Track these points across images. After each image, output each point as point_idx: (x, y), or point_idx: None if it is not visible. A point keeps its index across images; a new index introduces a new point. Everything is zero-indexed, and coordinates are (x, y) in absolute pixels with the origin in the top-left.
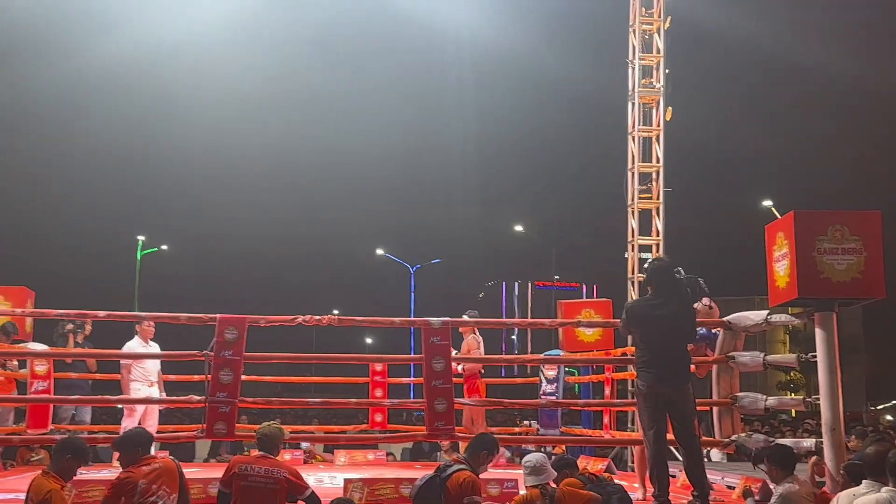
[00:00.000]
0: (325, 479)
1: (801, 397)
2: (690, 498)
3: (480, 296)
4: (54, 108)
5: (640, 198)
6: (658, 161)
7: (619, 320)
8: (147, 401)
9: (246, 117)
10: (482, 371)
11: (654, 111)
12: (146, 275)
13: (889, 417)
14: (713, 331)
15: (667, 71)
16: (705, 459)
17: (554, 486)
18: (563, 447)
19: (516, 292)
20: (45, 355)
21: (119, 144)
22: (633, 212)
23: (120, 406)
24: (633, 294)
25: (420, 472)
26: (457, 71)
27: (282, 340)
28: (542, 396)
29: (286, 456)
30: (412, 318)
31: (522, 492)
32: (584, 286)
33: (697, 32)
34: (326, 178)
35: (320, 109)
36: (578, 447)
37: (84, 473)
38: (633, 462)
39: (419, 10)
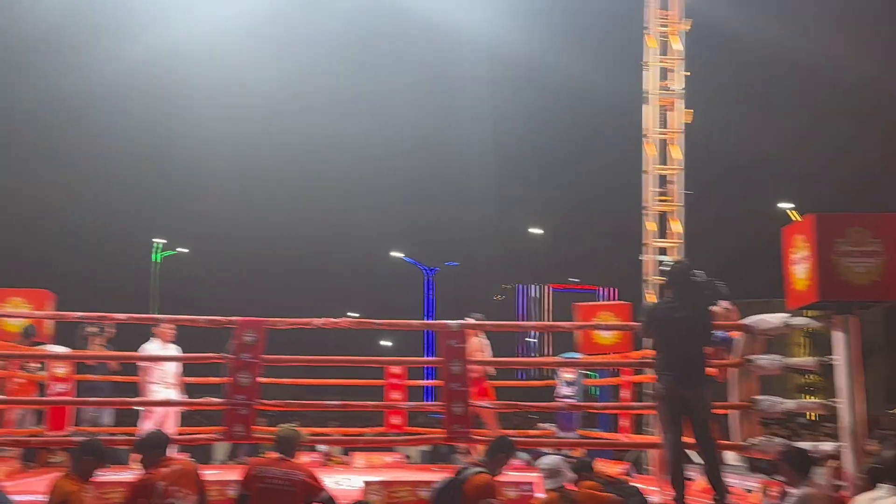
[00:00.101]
0: (342, 481)
1: (821, 400)
2: (710, 501)
3: (499, 297)
4: (76, 111)
5: (658, 200)
6: (675, 163)
7: (637, 323)
8: (166, 403)
9: (264, 119)
10: (492, 373)
11: (670, 114)
12: (165, 277)
13: None
14: (730, 334)
15: (687, 73)
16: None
17: (573, 488)
18: (582, 450)
19: (533, 295)
20: (64, 357)
21: (139, 147)
22: (647, 214)
23: (139, 408)
24: (647, 296)
25: (437, 475)
26: (474, 73)
27: (299, 343)
28: (560, 399)
29: (304, 458)
30: (430, 321)
31: (539, 495)
32: (602, 289)
33: (717, 35)
34: (343, 181)
35: (338, 112)
36: (596, 450)
37: (104, 475)
38: (651, 466)
39: (436, 13)
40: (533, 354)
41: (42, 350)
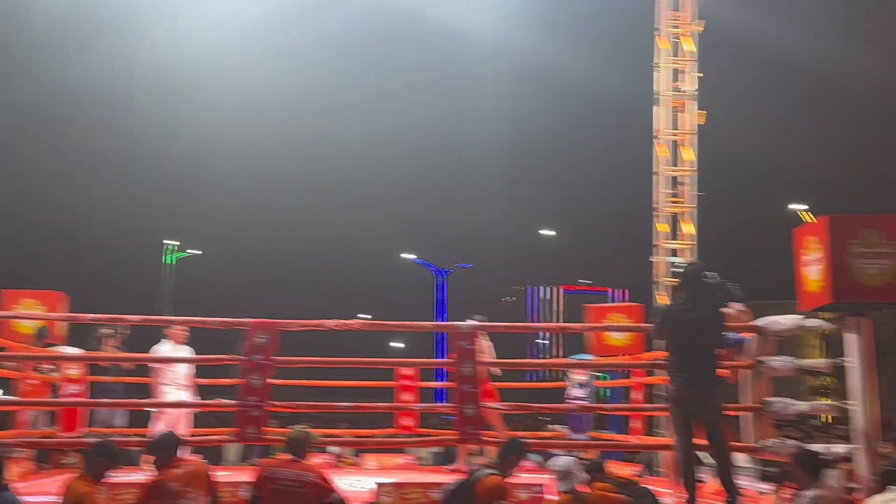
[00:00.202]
0: (353, 483)
1: (834, 402)
2: (722, 503)
3: (510, 299)
4: (88, 110)
5: (669, 202)
6: (687, 165)
7: (649, 325)
8: (178, 404)
9: (276, 120)
10: (497, 374)
11: (681, 115)
12: (178, 279)
13: None
14: (743, 336)
15: (700, 75)
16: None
17: (586, 490)
18: (594, 452)
19: (545, 296)
20: (76, 359)
21: (149, 146)
22: (657, 215)
23: (151, 409)
24: (657, 298)
25: (449, 477)
26: (484, 74)
27: (311, 344)
28: (571, 401)
29: (315, 460)
30: (441, 323)
31: (551, 497)
32: (613, 291)
33: (729, 36)
34: (352, 182)
35: (349, 112)
36: (608, 452)
37: (116, 476)
38: (663, 467)
39: (448, 14)
40: (544, 356)
41: (55, 351)
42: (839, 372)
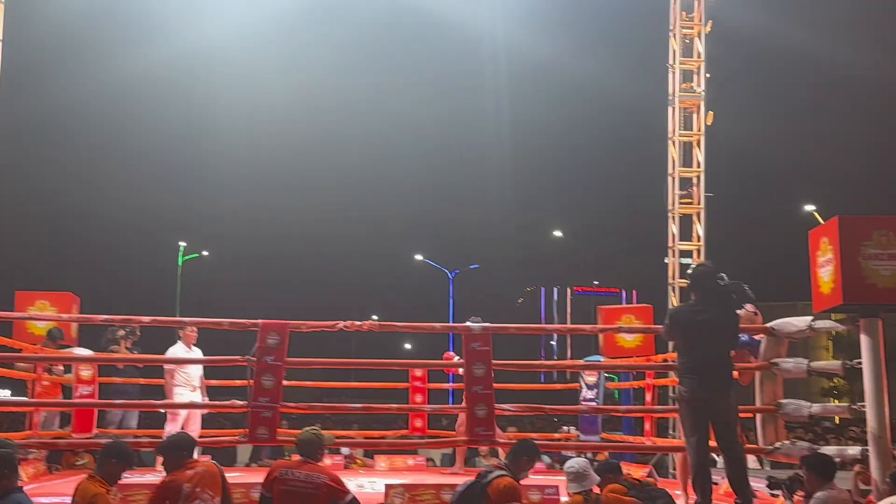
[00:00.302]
0: (365, 484)
1: (846, 404)
2: None
3: (520, 301)
4: (101, 115)
5: (680, 203)
6: (699, 166)
7: (660, 326)
8: (190, 405)
9: (285, 122)
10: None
11: (694, 116)
12: (189, 280)
13: None
14: (755, 337)
15: (708, 75)
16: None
17: (598, 492)
18: (606, 453)
19: (555, 297)
20: (90, 360)
21: (162, 150)
22: (672, 217)
23: (163, 411)
24: (673, 300)
25: (460, 478)
26: (496, 76)
27: (322, 345)
28: (583, 402)
29: (326, 461)
30: (453, 324)
31: (564, 499)
32: (624, 291)
33: (741, 38)
34: (365, 183)
35: (358, 114)
36: (619, 454)
37: (129, 477)
38: (674, 469)
39: (457, 15)
40: (554, 357)
41: (67, 353)
42: (849, 373)
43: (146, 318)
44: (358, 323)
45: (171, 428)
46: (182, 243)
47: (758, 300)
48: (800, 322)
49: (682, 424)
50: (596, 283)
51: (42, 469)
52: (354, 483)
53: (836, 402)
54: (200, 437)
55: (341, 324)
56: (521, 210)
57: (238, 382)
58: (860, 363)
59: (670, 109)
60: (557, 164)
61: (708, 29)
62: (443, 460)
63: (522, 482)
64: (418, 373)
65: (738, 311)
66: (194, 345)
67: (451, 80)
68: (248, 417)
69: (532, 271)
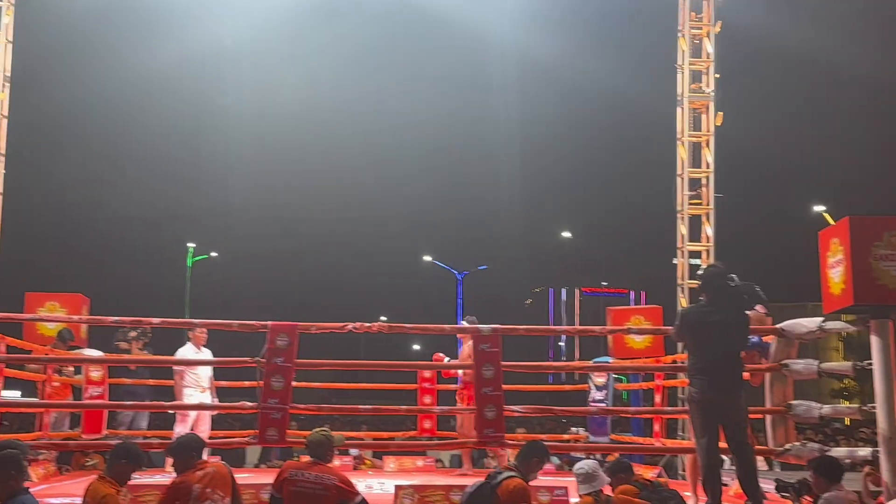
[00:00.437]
0: (374, 485)
1: (857, 405)
2: None
3: (528, 302)
4: (109, 114)
5: (689, 203)
6: (708, 166)
7: (670, 327)
8: (200, 407)
9: (292, 122)
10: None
11: (703, 116)
12: (198, 281)
13: None
14: (764, 339)
15: (717, 76)
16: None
17: (608, 493)
18: (615, 455)
19: (564, 298)
20: (100, 361)
21: (171, 150)
22: (682, 217)
23: (172, 412)
24: (682, 301)
25: (469, 479)
26: (503, 76)
27: (330, 346)
28: (592, 404)
29: (335, 462)
30: (462, 325)
31: (575, 500)
32: (633, 292)
33: (750, 38)
34: (372, 183)
35: (367, 114)
36: (628, 455)
37: (139, 478)
38: (683, 470)
39: (463, 15)
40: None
41: (78, 354)
42: (859, 375)
43: (156, 320)
44: (367, 324)
45: (180, 429)
46: (191, 245)
47: (768, 301)
48: (810, 323)
49: (693, 425)
50: (604, 283)
51: (52, 470)
52: (363, 484)
53: (847, 403)
54: (210, 438)
55: (351, 325)
56: (528, 210)
57: (247, 384)
58: (871, 364)
59: (679, 110)
60: (565, 165)
61: (717, 29)
62: (452, 461)
63: (532, 483)
64: (427, 374)
65: (749, 312)
66: (204, 346)
67: (456, 78)
68: (257, 419)
69: (540, 272)
